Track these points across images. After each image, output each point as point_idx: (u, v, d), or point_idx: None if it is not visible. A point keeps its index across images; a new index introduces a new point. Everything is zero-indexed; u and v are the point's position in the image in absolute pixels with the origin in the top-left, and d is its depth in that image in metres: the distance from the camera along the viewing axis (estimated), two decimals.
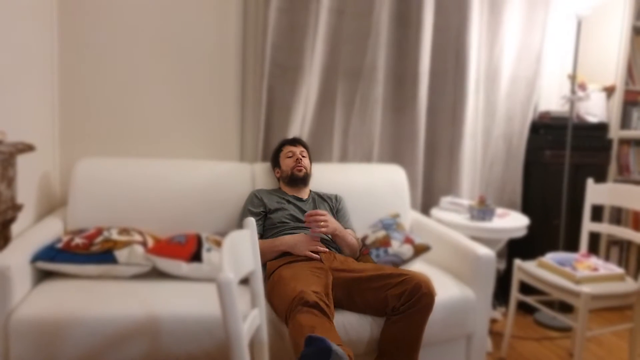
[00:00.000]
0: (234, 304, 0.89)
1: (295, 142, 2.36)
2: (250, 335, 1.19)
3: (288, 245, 2.00)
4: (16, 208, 1.07)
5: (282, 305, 1.65)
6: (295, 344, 1.47)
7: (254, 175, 2.43)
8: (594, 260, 2.34)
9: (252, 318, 1.22)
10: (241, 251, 1.22)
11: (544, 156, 2.93)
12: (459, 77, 2.85)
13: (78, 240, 1.91)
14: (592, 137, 3.00)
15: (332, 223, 2.04)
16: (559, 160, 2.91)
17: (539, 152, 2.96)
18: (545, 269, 2.31)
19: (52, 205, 2.39)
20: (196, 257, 1.95)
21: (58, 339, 1.61)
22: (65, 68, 2.40)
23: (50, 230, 2.03)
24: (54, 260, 1.84)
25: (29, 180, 2.09)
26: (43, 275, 1.91)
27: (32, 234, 1.91)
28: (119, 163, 2.29)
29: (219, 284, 0.87)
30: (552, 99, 3.17)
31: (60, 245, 1.88)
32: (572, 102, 2.86)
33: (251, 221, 1.32)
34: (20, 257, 1.73)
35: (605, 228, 2.52)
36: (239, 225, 2.19)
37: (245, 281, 1.35)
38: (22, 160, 2.00)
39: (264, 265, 1.98)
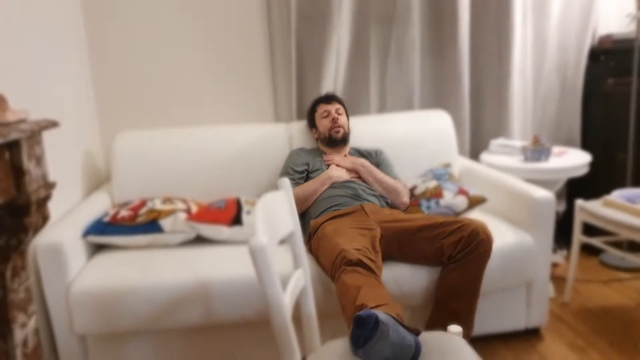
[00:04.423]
0: (269, 269, 0.84)
1: (330, 99, 2.25)
2: (295, 297, 1.15)
3: (319, 180, 2.03)
4: (49, 186, 1.06)
5: (327, 263, 1.62)
6: (342, 305, 1.44)
7: (290, 136, 2.37)
8: None
9: (295, 279, 1.19)
10: (277, 213, 1.18)
11: (605, 86, 2.69)
12: (502, 8, 2.62)
13: (124, 213, 1.94)
14: None
15: (354, 159, 2.12)
16: (623, 89, 2.66)
17: (600, 82, 2.72)
18: (612, 208, 2.14)
19: (99, 180, 2.44)
20: (237, 220, 1.94)
21: (115, 308, 1.67)
22: (94, 42, 2.39)
23: (99, 205, 2.08)
24: (103, 234, 1.88)
25: (72, 157, 2.13)
26: (96, 249, 1.97)
27: (81, 210, 1.97)
28: (156, 134, 2.30)
29: (252, 249, 0.83)
30: (613, 20, 2.85)
31: (107, 218, 1.92)
32: (639, 20, 2.57)
33: (285, 181, 1.27)
34: (72, 232, 1.79)
35: None
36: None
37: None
38: (63, 138, 2.04)
39: (308, 223, 1.96)
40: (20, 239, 0.98)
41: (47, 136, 1.88)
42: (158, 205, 1.99)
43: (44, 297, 1.72)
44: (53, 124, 1.08)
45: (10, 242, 0.97)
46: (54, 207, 1.90)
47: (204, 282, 1.70)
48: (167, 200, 2.06)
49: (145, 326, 1.70)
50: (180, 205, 2.02)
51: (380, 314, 1.06)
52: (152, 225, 1.92)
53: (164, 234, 1.92)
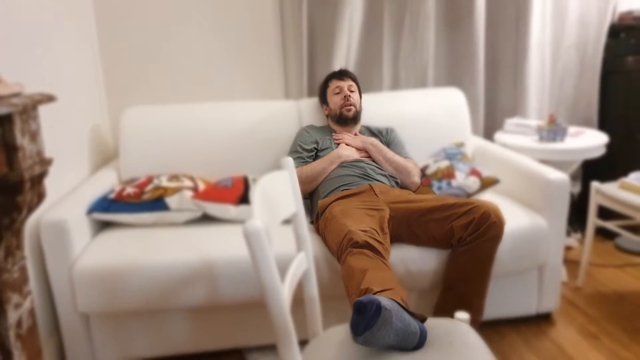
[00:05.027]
0: (265, 254, 0.80)
1: (343, 75, 2.19)
2: (297, 280, 1.12)
3: (328, 159, 1.98)
4: (44, 163, 1.02)
5: (334, 244, 1.58)
6: (347, 288, 1.41)
7: (300, 113, 2.31)
8: None
9: (297, 262, 1.15)
10: (279, 193, 1.13)
11: (625, 63, 2.58)
12: None
13: (129, 190, 1.92)
14: None
15: (364, 138, 2.08)
16: None
17: (620, 60, 2.61)
18: (628, 191, 2.06)
19: (107, 157, 2.42)
20: (243, 199, 1.91)
21: (119, 286, 1.65)
22: (102, 18, 2.34)
23: (105, 182, 2.06)
24: (108, 211, 1.86)
25: (80, 134, 2.10)
26: (102, 226, 1.95)
27: (87, 186, 1.95)
28: (164, 109, 2.26)
29: (247, 233, 0.79)
30: None
31: (112, 195, 1.90)
32: None
33: (289, 160, 1.22)
34: (77, 209, 1.77)
35: None
36: None
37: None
38: (71, 114, 2.01)
39: (316, 202, 1.92)
40: (13, 218, 0.95)
41: (54, 112, 1.85)
42: (164, 182, 1.96)
43: (47, 275, 1.71)
44: (48, 98, 1.04)
45: (3, 221, 0.94)
46: (60, 183, 1.88)
47: (209, 262, 1.68)
48: (174, 177, 2.03)
49: (149, 305, 1.69)
50: (187, 183, 1.99)
51: (384, 299, 1.02)
52: (157, 203, 1.89)
53: (169, 212, 1.90)
